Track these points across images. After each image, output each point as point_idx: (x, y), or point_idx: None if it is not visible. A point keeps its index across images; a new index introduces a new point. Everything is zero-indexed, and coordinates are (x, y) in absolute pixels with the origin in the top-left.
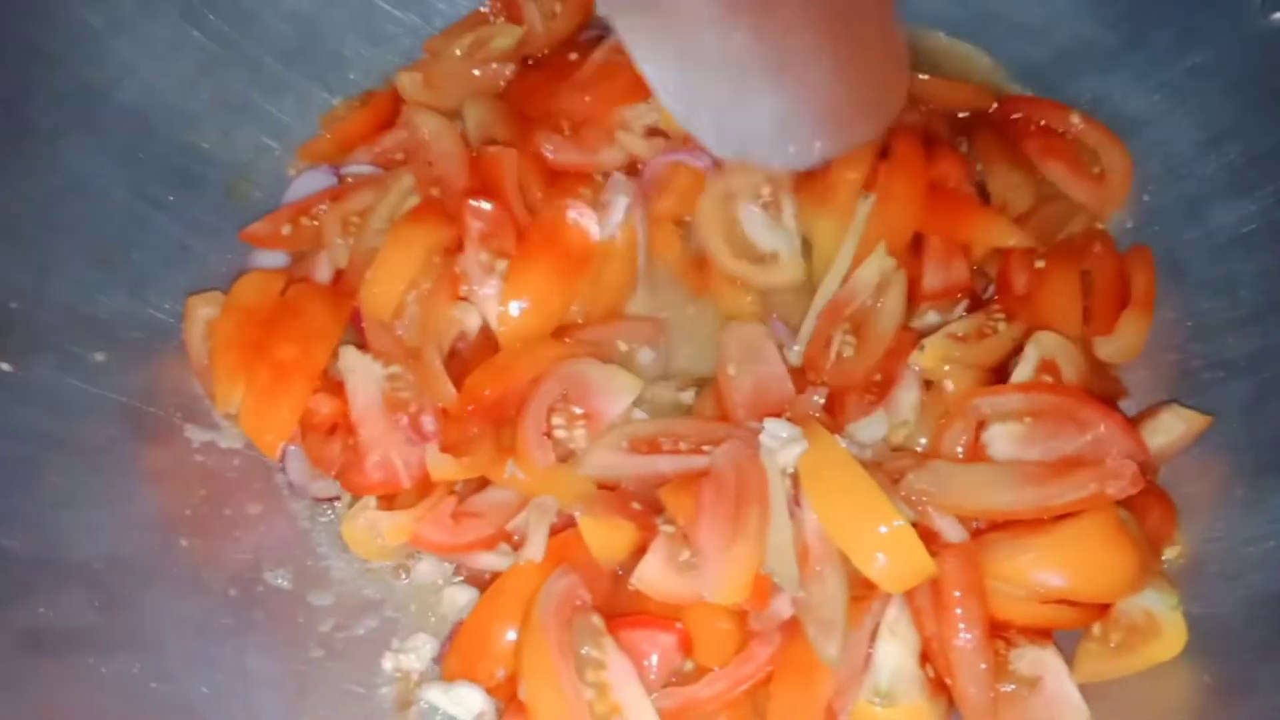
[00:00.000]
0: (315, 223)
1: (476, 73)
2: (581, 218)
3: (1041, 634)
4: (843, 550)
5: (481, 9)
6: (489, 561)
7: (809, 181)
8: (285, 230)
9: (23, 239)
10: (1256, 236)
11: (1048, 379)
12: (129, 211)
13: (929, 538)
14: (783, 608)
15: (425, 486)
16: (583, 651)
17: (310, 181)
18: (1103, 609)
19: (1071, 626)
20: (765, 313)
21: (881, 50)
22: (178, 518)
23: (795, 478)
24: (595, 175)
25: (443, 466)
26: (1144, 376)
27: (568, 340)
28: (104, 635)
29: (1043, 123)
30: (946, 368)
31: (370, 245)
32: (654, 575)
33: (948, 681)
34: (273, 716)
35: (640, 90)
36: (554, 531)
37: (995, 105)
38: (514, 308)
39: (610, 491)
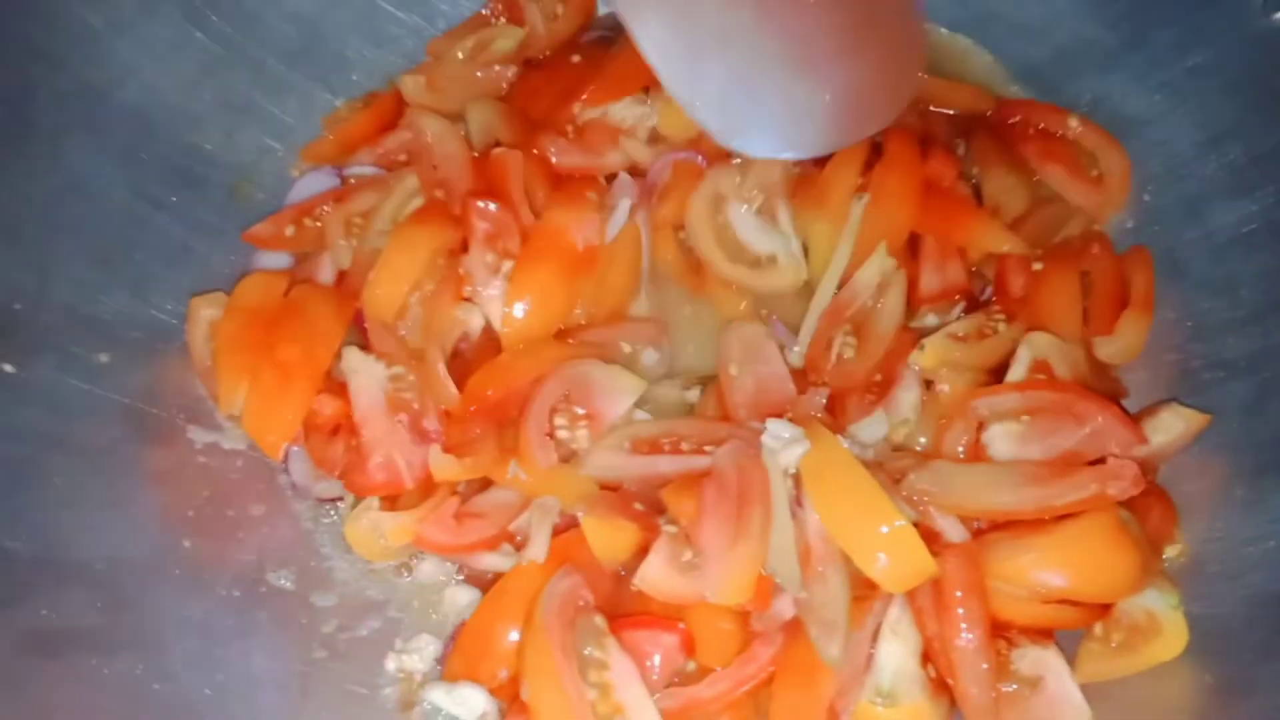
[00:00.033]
0: (318, 224)
1: (479, 75)
2: (584, 233)
3: (1043, 634)
4: (844, 550)
5: (483, 11)
6: (492, 562)
7: (802, 183)
8: (288, 231)
9: (24, 240)
10: (1257, 236)
11: (1042, 379)
12: (131, 212)
13: (930, 538)
14: (785, 608)
15: (428, 487)
16: (585, 652)
17: (313, 183)
18: (1104, 609)
19: (1073, 626)
20: (763, 315)
21: (899, 30)
22: (180, 519)
23: (797, 478)
24: (599, 177)
25: (445, 467)
26: (1144, 377)
27: (571, 341)
28: (106, 636)
29: (1041, 126)
30: (943, 372)
31: (373, 246)
32: (656, 576)
33: (949, 681)
34: (275, 717)
35: (639, 82)
36: (556, 532)
37: (994, 108)
38: (518, 309)
39: (612, 492)
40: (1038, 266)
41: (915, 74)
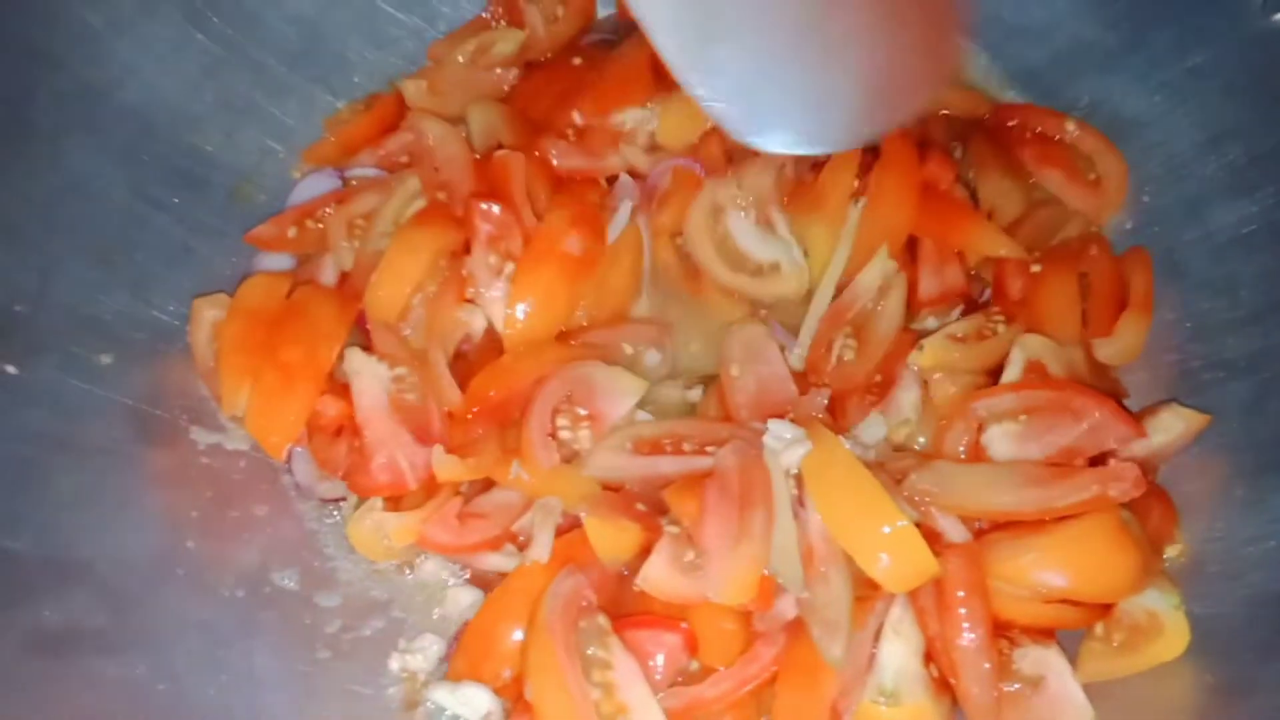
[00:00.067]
0: (320, 225)
1: (480, 78)
2: (579, 246)
3: (1044, 634)
4: (846, 550)
5: (483, 14)
6: (495, 562)
7: (798, 188)
8: (290, 233)
9: (25, 240)
10: (1256, 237)
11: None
12: (131, 213)
13: (932, 538)
14: (787, 608)
15: (431, 488)
16: (589, 652)
17: (314, 184)
18: (1105, 609)
19: (1074, 626)
20: (761, 316)
21: (938, 6)
22: (184, 519)
23: (799, 478)
24: (600, 180)
25: (448, 468)
26: (1144, 377)
27: (573, 343)
28: (110, 637)
29: (1038, 130)
30: (938, 376)
31: (375, 248)
32: (659, 576)
33: (951, 681)
34: (279, 717)
35: (642, 92)
36: (559, 532)
37: (991, 112)
38: (520, 310)
39: (615, 493)
40: (1036, 269)
41: (957, 47)
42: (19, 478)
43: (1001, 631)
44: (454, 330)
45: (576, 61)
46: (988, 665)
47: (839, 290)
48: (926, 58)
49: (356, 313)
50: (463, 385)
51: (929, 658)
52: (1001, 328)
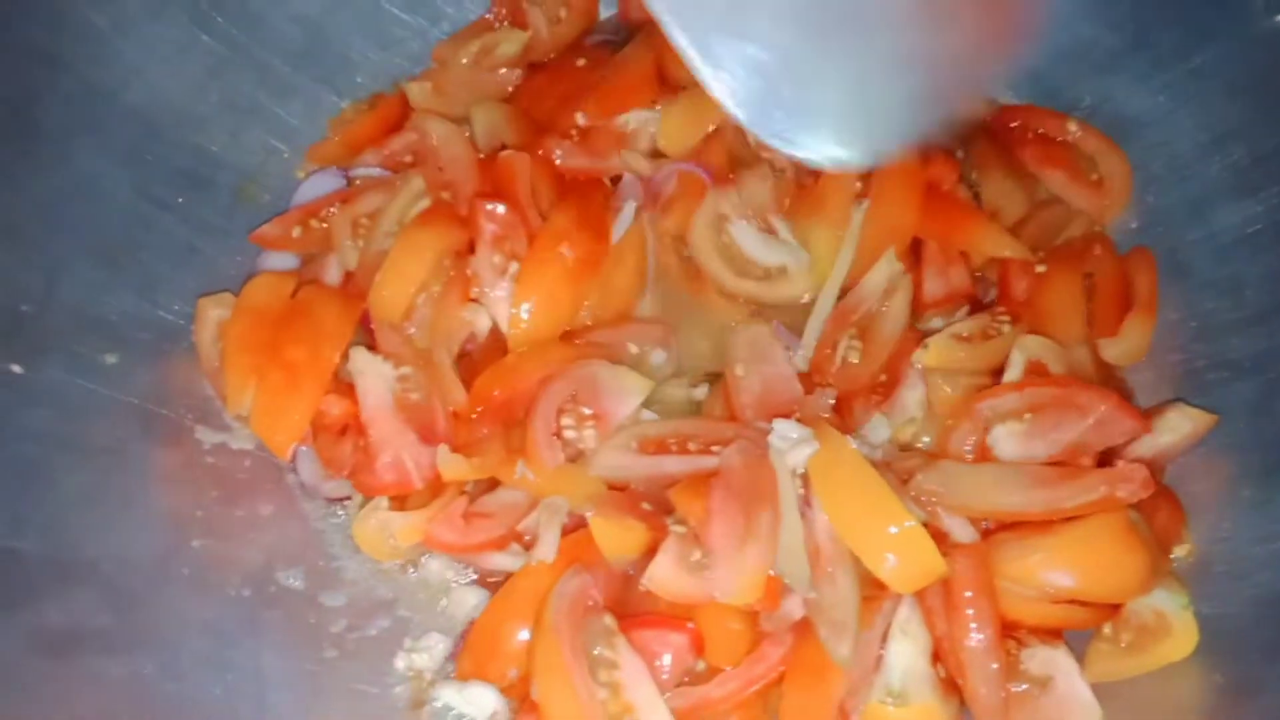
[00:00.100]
0: (325, 225)
1: (484, 79)
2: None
3: (1052, 634)
4: (854, 551)
5: (486, 15)
6: (500, 562)
7: (800, 191)
8: (295, 232)
9: (30, 241)
10: (1261, 237)
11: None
12: (136, 213)
13: (939, 538)
14: (794, 608)
15: (436, 487)
16: (595, 651)
17: (319, 184)
18: (1113, 609)
19: (1082, 627)
20: (765, 316)
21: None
22: (189, 519)
23: (805, 478)
24: (604, 180)
25: (453, 467)
26: (1149, 377)
27: (578, 342)
28: (116, 636)
29: (1040, 130)
30: (936, 377)
31: (380, 248)
32: (665, 576)
33: (959, 681)
34: (286, 717)
35: (645, 94)
36: (565, 532)
37: (993, 113)
38: (525, 310)
39: (620, 492)
40: (1041, 269)
41: (1037, 20)
42: (24, 477)
43: (1009, 632)
44: (459, 330)
45: (580, 62)
46: (995, 665)
47: (843, 292)
48: (985, 47)
49: (361, 312)
50: (467, 385)
51: (936, 658)
52: (1007, 328)
